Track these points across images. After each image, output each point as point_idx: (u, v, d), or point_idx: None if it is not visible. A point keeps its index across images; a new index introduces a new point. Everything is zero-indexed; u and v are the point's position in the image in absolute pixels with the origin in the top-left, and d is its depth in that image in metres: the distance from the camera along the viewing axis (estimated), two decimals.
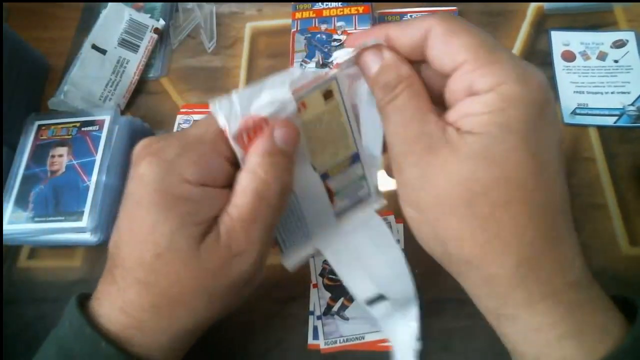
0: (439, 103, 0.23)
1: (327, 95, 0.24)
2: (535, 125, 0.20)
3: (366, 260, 0.27)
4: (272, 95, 0.22)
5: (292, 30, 0.51)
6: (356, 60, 0.24)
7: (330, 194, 0.27)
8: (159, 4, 0.54)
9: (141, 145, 0.24)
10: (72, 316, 0.25)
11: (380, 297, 0.28)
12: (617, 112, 0.45)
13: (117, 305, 0.25)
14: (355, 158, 0.26)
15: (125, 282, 0.24)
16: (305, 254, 0.29)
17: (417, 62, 0.23)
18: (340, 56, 0.24)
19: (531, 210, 0.20)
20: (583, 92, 0.46)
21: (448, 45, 0.21)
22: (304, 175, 0.25)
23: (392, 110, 0.22)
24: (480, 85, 0.20)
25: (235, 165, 0.24)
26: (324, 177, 0.26)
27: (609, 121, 0.45)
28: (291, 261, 0.29)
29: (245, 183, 0.23)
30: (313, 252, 0.28)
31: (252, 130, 0.23)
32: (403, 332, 0.30)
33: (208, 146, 0.23)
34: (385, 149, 0.26)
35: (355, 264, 0.28)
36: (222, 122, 0.22)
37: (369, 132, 0.26)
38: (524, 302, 0.21)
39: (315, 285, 0.39)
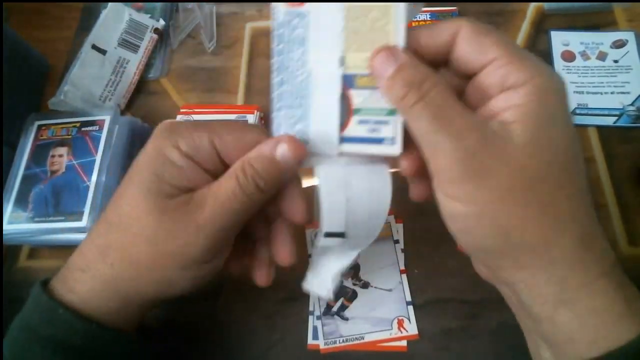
0: None
1: None
2: (566, 113, 0.22)
3: (352, 198, 0.26)
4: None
5: None
6: (370, 64, 0.23)
7: (349, 108, 0.25)
8: (159, 4, 0.54)
9: (164, 122, 0.27)
10: (34, 293, 0.27)
11: (340, 235, 0.27)
12: (617, 112, 0.45)
13: (79, 274, 0.26)
14: None
15: (88, 249, 0.26)
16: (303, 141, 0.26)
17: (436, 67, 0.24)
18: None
19: (579, 191, 0.22)
20: (583, 92, 0.46)
21: (479, 43, 0.22)
22: (323, 56, 0.24)
23: (426, 108, 0.21)
24: (514, 79, 0.21)
25: (222, 161, 0.26)
26: (349, 80, 0.24)
27: (609, 121, 0.45)
28: (280, 129, 0.26)
29: (233, 170, 0.25)
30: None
31: None
32: (330, 263, 0.30)
33: (207, 132, 0.25)
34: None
35: (339, 195, 0.26)
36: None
37: None
38: (584, 283, 0.22)
39: None
